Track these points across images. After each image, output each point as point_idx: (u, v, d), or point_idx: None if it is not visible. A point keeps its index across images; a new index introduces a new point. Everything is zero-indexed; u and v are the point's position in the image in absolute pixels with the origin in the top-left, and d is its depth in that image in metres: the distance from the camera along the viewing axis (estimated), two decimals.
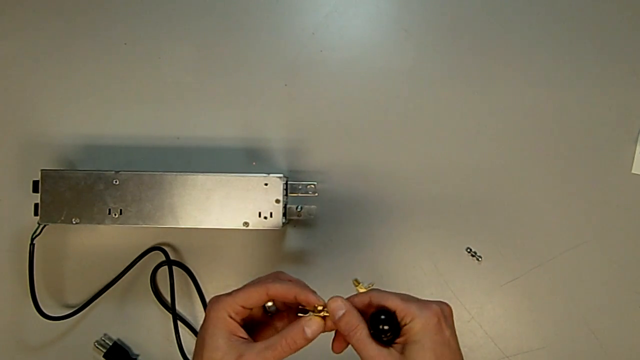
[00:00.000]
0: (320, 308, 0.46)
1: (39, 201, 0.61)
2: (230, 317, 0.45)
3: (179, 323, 0.66)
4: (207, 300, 0.67)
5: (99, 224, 0.61)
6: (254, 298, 0.46)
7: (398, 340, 0.45)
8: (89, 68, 0.69)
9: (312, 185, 0.63)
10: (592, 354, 0.66)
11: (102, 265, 0.67)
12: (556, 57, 0.69)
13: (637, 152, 0.68)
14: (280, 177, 0.61)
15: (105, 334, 0.67)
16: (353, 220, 0.68)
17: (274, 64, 0.69)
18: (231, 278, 0.68)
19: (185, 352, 0.66)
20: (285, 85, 0.69)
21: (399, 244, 0.67)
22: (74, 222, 0.61)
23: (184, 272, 0.68)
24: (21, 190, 0.68)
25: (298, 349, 0.45)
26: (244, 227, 0.60)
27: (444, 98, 0.69)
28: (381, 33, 0.70)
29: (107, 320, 0.68)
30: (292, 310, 0.49)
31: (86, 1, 0.70)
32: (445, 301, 0.47)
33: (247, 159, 0.68)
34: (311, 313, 0.46)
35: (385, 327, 0.45)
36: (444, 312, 0.46)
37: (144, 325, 0.68)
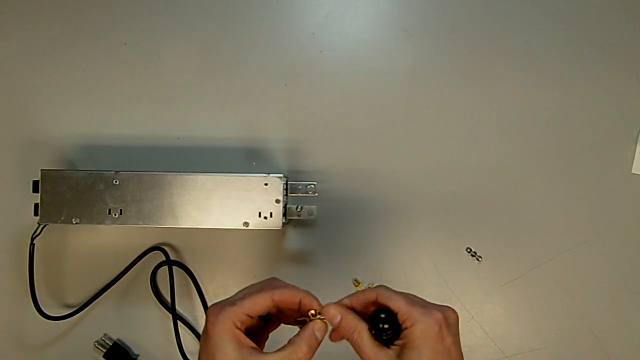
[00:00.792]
0: (313, 312, 0.47)
1: (39, 201, 0.61)
2: (237, 327, 0.45)
3: (179, 323, 0.66)
4: (208, 300, 0.68)
5: (99, 224, 0.61)
6: (260, 305, 0.46)
7: (397, 342, 0.45)
8: (89, 68, 0.70)
9: (312, 185, 0.63)
10: (592, 354, 0.66)
11: (102, 265, 0.67)
12: (556, 57, 0.69)
13: (637, 152, 0.68)
14: (280, 177, 0.61)
15: (105, 334, 0.67)
16: (353, 220, 0.67)
17: (274, 64, 0.69)
18: (231, 278, 0.68)
19: (185, 352, 0.66)
20: (285, 85, 0.69)
21: (399, 243, 0.67)
22: (74, 222, 0.61)
23: (184, 272, 0.68)
24: (21, 190, 0.68)
25: (313, 355, 0.46)
26: (244, 227, 0.60)
27: (444, 98, 0.69)
28: (381, 33, 0.70)
29: (107, 320, 0.68)
30: (283, 314, 0.49)
31: (86, 1, 0.70)
32: (452, 307, 0.47)
33: (247, 159, 0.68)
34: (313, 318, 0.47)
35: (385, 326, 0.45)
36: (448, 320, 0.45)
37: (144, 325, 0.68)
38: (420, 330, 0.44)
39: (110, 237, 0.68)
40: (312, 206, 0.63)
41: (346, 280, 0.67)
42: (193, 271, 0.68)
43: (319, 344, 0.46)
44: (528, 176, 0.68)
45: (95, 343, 0.67)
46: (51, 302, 0.67)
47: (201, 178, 0.61)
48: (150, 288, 0.67)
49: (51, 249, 0.68)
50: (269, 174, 0.61)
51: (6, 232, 0.68)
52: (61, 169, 0.65)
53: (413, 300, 0.46)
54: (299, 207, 0.63)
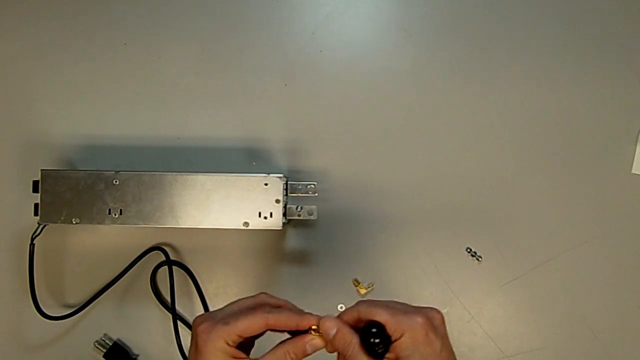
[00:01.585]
0: (315, 327, 0.47)
1: (39, 201, 0.61)
2: (227, 344, 0.45)
3: (179, 323, 0.66)
4: (208, 300, 0.68)
5: (99, 224, 0.61)
6: (253, 328, 0.46)
7: (389, 355, 0.45)
8: (89, 68, 0.70)
9: (312, 185, 0.63)
10: (592, 354, 0.66)
11: (102, 265, 0.67)
12: (556, 57, 0.69)
13: (637, 152, 0.68)
14: (280, 177, 0.61)
15: (105, 334, 0.67)
16: (353, 220, 0.67)
17: (274, 64, 0.69)
18: (231, 278, 0.68)
19: (185, 352, 0.66)
20: (285, 85, 0.69)
21: (399, 244, 0.67)
22: (74, 222, 0.61)
23: (184, 272, 0.68)
24: (21, 190, 0.68)
25: None
26: (244, 227, 0.60)
27: (444, 98, 0.69)
28: (381, 33, 0.70)
29: (107, 320, 0.68)
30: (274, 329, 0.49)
31: (86, 1, 0.70)
32: (435, 308, 0.47)
33: (247, 159, 0.68)
34: (314, 335, 0.47)
35: (376, 341, 0.45)
36: (434, 322, 0.46)
37: (144, 325, 0.68)
38: (409, 339, 0.44)
39: (110, 237, 0.68)
40: (312, 206, 0.63)
41: (346, 280, 0.67)
42: (193, 271, 0.68)
43: (305, 356, 0.46)
44: (528, 176, 0.68)
45: (95, 343, 0.67)
46: (51, 302, 0.67)
47: (201, 178, 0.61)
48: (150, 288, 0.67)
49: (51, 249, 0.68)
50: (269, 174, 0.61)
51: (6, 232, 0.68)
52: (61, 169, 0.65)
53: (395, 309, 0.46)
54: (299, 207, 0.63)
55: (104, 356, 0.66)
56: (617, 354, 0.66)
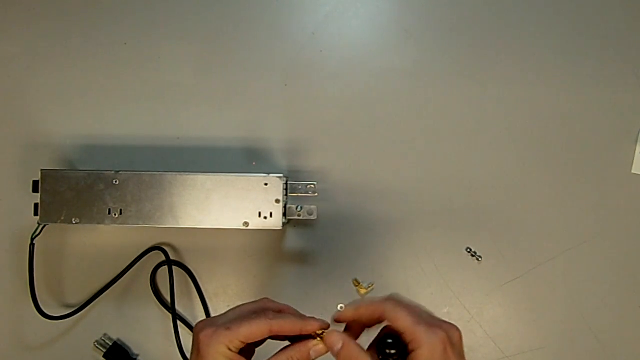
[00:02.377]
0: (320, 332, 0.47)
1: (39, 201, 0.61)
2: (229, 349, 0.45)
3: (179, 323, 0.66)
4: (208, 300, 0.68)
5: (99, 224, 0.61)
6: (256, 334, 0.45)
7: None
8: (89, 68, 0.70)
9: (312, 185, 0.63)
10: (592, 354, 0.66)
11: (102, 265, 0.67)
12: (556, 57, 0.69)
13: (637, 152, 0.68)
14: (280, 177, 0.61)
15: (105, 334, 0.67)
16: (353, 220, 0.67)
17: (274, 64, 0.69)
18: (231, 278, 0.68)
19: (185, 352, 0.66)
20: (285, 85, 0.69)
21: (399, 244, 0.67)
22: (74, 222, 0.61)
23: (184, 272, 0.68)
24: (21, 190, 0.68)
25: None
26: (244, 227, 0.60)
27: (444, 98, 0.69)
28: (381, 33, 0.70)
29: (107, 320, 0.68)
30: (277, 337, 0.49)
31: (86, 1, 0.70)
32: (455, 325, 0.46)
33: (247, 159, 0.68)
34: (317, 342, 0.47)
35: (392, 352, 0.45)
36: (452, 339, 0.45)
37: (144, 325, 0.68)
38: (427, 352, 0.43)
39: (110, 237, 0.68)
40: (312, 206, 0.63)
41: (346, 280, 0.67)
42: (193, 271, 0.68)
43: None
44: (528, 176, 0.68)
45: (95, 343, 0.67)
46: (51, 302, 0.67)
47: (201, 178, 0.61)
48: (150, 288, 0.67)
49: (51, 249, 0.68)
50: (269, 174, 0.61)
51: (6, 232, 0.68)
52: (61, 169, 0.65)
53: (419, 318, 0.45)
54: (299, 207, 0.63)
55: (104, 356, 0.66)
56: (617, 354, 0.66)
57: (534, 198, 0.68)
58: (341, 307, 0.68)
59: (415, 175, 0.68)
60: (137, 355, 0.68)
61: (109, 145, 0.69)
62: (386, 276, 0.67)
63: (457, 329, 0.46)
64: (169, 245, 0.68)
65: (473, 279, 0.67)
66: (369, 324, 0.47)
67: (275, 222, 0.61)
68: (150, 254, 0.67)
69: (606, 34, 0.69)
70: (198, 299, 0.68)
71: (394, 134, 0.68)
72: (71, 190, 0.61)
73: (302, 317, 0.48)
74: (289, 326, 0.46)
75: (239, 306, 0.49)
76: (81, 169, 0.65)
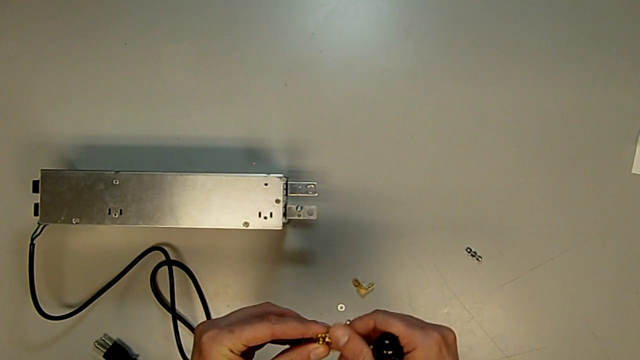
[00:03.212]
0: (323, 335, 0.47)
1: (39, 201, 0.61)
2: (231, 352, 0.45)
3: (179, 323, 0.66)
4: (208, 300, 0.68)
5: (99, 224, 0.61)
6: (259, 338, 0.46)
7: None
8: (89, 68, 0.70)
9: (312, 185, 0.63)
10: (592, 354, 0.66)
11: (102, 265, 0.67)
12: (556, 57, 0.69)
13: (637, 152, 0.68)
14: (280, 177, 0.61)
15: (105, 334, 0.67)
16: (353, 220, 0.67)
17: (274, 64, 0.69)
18: (231, 278, 0.68)
19: (185, 352, 0.66)
20: (285, 85, 0.69)
21: (399, 243, 0.67)
22: (74, 222, 0.61)
23: (184, 272, 0.68)
24: (21, 190, 0.68)
25: None
26: (244, 227, 0.60)
27: (444, 98, 0.69)
28: (381, 33, 0.70)
29: (107, 320, 0.68)
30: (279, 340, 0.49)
31: (86, 1, 0.70)
32: (449, 327, 0.47)
33: (247, 159, 0.68)
34: (320, 344, 0.47)
35: (389, 352, 0.45)
36: (447, 340, 0.46)
37: (144, 325, 0.68)
38: (422, 352, 0.45)
39: (110, 237, 0.68)
40: (312, 206, 0.63)
41: (346, 280, 0.67)
42: (193, 271, 0.68)
43: None
44: (528, 176, 0.68)
45: (95, 343, 0.67)
46: (51, 302, 0.67)
47: (201, 178, 0.61)
48: (150, 288, 0.67)
49: (51, 249, 0.68)
50: (269, 174, 0.61)
51: (6, 232, 0.68)
52: (61, 169, 0.65)
53: (411, 322, 0.46)
54: (299, 207, 0.63)
55: (104, 356, 0.66)
56: (617, 354, 0.66)
57: (534, 198, 0.67)
58: (341, 307, 0.68)
59: (416, 175, 0.68)
60: (137, 355, 0.68)
61: (109, 145, 0.69)
62: (386, 276, 0.67)
63: (451, 331, 0.47)
64: (169, 245, 0.68)
65: (473, 279, 0.67)
66: (364, 337, 0.48)
67: (275, 222, 0.61)
68: (150, 254, 0.67)
69: (606, 34, 0.69)
70: (198, 299, 0.68)
71: (394, 134, 0.68)
72: (71, 190, 0.61)
73: (303, 320, 0.48)
74: (291, 330, 0.46)
75: (240, 309, 0.49)
76: (81, 169, 0.65)
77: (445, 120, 0.68)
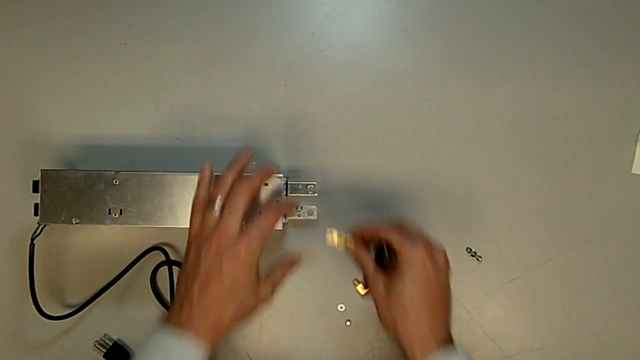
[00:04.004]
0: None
1: (39, 201, 0.61)
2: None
3: None
4: None
5: (99, 224, 0.61)
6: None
7: (392, 270, 0.56)
8: (89, 68, 0.70)
9: (312, 185, 0.63)
10: (592, 354, 0.66)
11: (102, 265, 0.67)
12: (556, 57, 0.69)
13: (637, 152, 0.68)
14: (280, 177, 0.61)
15: (105, 334, 0.67)
16: (353, 220, 0.67)
17: (274, 64, 0.69)
18: None
19: None
20: (285, 85, 0.69)
21: None
22: (74, 222, 0.61)
23: None
24: (21, 190, 0.68)
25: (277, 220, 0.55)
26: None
27: (444, 98, 0.69)
28: (381, 33, 0.70)
29: (107, 320, 0.68)
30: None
31: (86, 1, 0.70)
32: (442, 248, 0.57)
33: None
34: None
35: (386, 255, 0.59)
36: (433, 253, 0.55)
37: (144, 325, 0.68)
38: (406, 257, 0.54)
39: (110, 237, 0.68)
40: (312, 206, 0.63)
41: (346, 280, 0.67)
42: None
43: (279, 216, 0.55)
44: (528, 176, 0.68)
45: (95, 343, 0.67)
46: (51, 302, 0.67)
47: None
48: (150, 288, 0.67)
49: (51, 249, 0.68)
50: None
51: (6, 232, 0.68)
52: (61, 169, 0.65)
53: (407, 235, 0.56)
54: (299, 207, 0.63)
55: (104, 356, 0.66)
56: (617, 354, 0.66)
57: (534, 198, 0.68)
58: (341, 307, 0.68)
59: (416, 175, 0.68)
60: None
61: (109, 145, 0.69)
62: None
63: (442, 252, 0.57)
64: (169, 245, 0.68)
65: (473, 279, 0.67)
66: (371, 240, 0.61)
67: None
68: (150, 254, 0.67)
69: (606, 34, 0.69)
70: None
71: (394, 133, 0.68)
72: (71, 190, 0.61)
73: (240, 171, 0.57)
74: (257, 181, 0.55)
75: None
76: (81, 169, 0.65)
77: (445, 120, 0.68)
